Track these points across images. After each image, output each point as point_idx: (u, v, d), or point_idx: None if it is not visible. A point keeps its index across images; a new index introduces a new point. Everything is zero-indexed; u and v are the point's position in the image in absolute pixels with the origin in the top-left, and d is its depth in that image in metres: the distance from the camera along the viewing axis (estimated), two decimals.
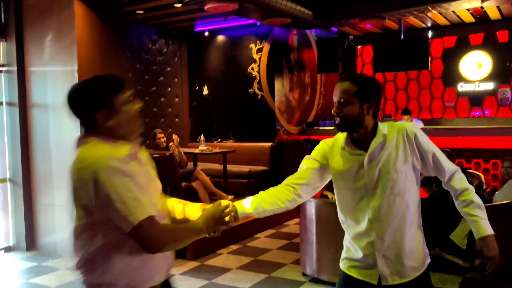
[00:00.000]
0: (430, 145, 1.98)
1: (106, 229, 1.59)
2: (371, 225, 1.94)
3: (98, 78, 1.70)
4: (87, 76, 1.67)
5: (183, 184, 5.82)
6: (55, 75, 5.47)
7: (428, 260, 2.05)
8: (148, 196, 1.61)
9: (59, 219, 5.59)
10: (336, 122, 1.97)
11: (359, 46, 9.73)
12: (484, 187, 5.42)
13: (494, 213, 4.35)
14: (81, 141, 1.66)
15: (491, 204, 4.46)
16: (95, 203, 1.54)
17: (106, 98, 1.64)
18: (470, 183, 5.40)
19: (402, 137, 1.94)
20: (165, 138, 6.20)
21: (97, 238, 1.59)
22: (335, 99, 1.96)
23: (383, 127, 1.96)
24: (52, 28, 5.44)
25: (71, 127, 5.26)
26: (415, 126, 1.99)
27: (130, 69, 6.41)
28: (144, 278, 1.66)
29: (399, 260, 1.95)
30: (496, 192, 4.73)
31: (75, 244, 1.66)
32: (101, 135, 1.64)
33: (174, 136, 6.27)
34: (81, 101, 1.66)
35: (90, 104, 1.64)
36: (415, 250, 1.98)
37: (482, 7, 7.05)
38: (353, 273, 2.03)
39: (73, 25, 5.26)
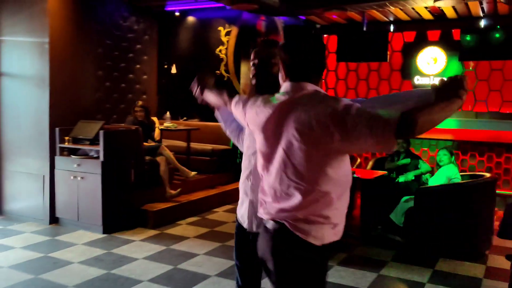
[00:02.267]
0: None
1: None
2: None
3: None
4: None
5: (147, 158, 6.10)
6: (25, 45, 5.52)
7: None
8: None
9: (26, 186, 5.80)
10: None
11: (325, 35, 10.10)
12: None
13: (428, 195, 4.88)
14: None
15: (426, 187, 4.96)
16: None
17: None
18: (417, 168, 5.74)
19: None
20: (143, 112, 6.46)
21: (327, 174, 1.72)
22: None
23: None
24: None
25: (39, 96, 5.48)
26: None
27: (100, 44, 6.57)
28: (343, 215, 1.84)
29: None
30: (431, 177, 5.23)
31: (305, 183, 1.73)
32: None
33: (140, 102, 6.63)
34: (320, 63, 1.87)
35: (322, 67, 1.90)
36: None
37: (439, 6, 7.52)
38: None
39: None
